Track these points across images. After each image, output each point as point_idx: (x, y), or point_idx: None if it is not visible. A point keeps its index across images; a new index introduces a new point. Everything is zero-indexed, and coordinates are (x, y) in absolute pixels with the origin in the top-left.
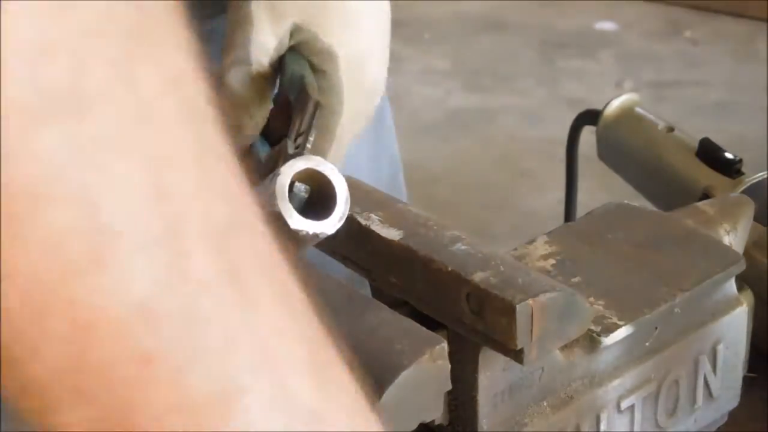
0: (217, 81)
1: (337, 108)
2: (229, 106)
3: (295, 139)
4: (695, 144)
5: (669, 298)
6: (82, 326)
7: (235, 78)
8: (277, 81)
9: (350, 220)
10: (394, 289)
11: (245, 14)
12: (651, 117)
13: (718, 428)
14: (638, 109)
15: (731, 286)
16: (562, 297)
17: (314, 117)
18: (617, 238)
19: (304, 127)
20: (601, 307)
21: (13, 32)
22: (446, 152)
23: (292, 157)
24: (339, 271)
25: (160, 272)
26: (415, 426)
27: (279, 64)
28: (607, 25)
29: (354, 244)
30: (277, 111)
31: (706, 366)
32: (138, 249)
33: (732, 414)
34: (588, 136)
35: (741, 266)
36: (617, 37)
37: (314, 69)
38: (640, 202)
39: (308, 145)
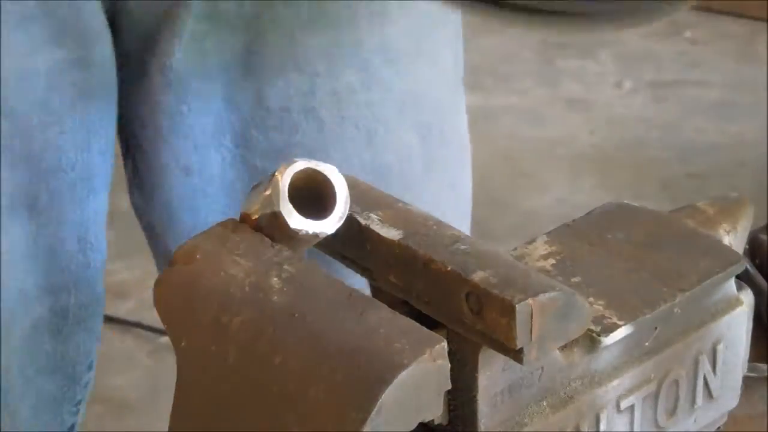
0: None
1: None
2: None
3: None
4: None
5: (669, 298)
6: None
7: None
8: None
9: (350, 220)
10: (394, 289)
11: None
12: None
13: (718, 428)
14: None
15: (731, 286)
16: (562, 297)
17: None
18: (617, 238)
19: None
20: (601, 307)
21: None
22: None
23: None
24: (339, 271)
25: None
26: (414, 426)
27: None
28: None
29: (354, 244)
30: None
31: (706, 366)
32: None
33: (732, 414)
34: (588, 136)
35: (741, 266)
36: (617, 37)
37: None
38: (640, 202)
39: None
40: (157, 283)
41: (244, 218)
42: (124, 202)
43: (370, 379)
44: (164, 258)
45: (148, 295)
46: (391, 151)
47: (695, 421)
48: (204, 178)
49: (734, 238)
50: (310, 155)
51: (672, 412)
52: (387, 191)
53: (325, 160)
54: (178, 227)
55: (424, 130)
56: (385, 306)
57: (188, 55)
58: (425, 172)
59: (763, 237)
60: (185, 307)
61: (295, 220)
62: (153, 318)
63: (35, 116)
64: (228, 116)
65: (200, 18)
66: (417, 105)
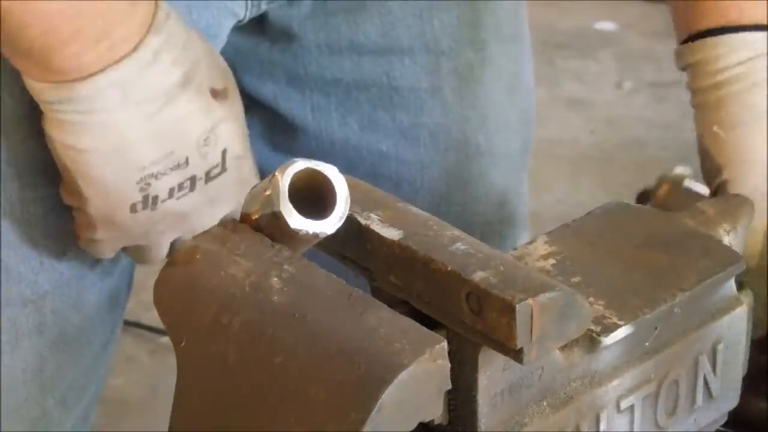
0: None
1: None
2: None
3: None
4: None
5: (669, 298)
6: None
7: None
8: None
9: (350, 220)
10: (394, 289)
11: None
12: (700, 189)
13: (718, 428)
14: (687, 183)
15: (731, 286)
16: (562, 297)
17: None
18: (617, 238)
19: None
20: (601, 307)
21: None
22: None
23: None
24: (339, 271)
25: None
26: (414, 425)
27: None
28: (607, 25)
29: (354, 244)
30: None
31: (706, 366)
32: None
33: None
34: (589, 136)
35: (741, 266)
36: (617, 37)
37: None
38: None
39: None
40: (157, 283)
41: (244, 218)
42: None
43: (370, 379)
44: None
45: (148, 295)
46: (500, 132)
47: (695, 421)
48: (320, 141)
49: (734, 238)
50: (433, 136)
51: (672, 412)
52: (495, 174)
53: (447, 141)
54: None
55: (524, 113)
56: (385, 306)
57: (313, 28)
58: (522, 154)
59: None
60: (185, 307)
61: (295, 220)
62: (153, 318)
63: None
64: (356, 95)
65: None
66: (518, 86)
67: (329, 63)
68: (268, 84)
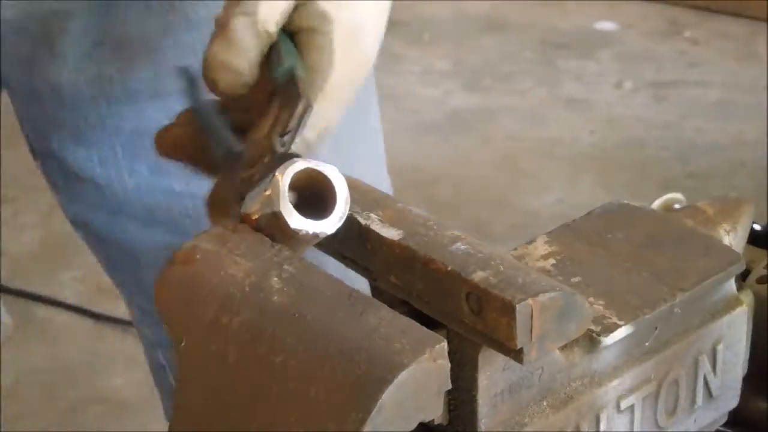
0: (218, 26)
1: (325, 68)
2: (230, 52)
3: (282, 136)
4: None
5: (669, 298)
6: None
7: (241, 25)
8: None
9: (350, 220)
10: (394, 289)
11: None
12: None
13: (718, 428)
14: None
15: (731, 286)
16: (562, 297)
17: (303, 118)
18: (617, 238)
19: (291, 126)
20: (601, 307)
21: None
22: (446, 152)
23: (282, 156)
24: (339, 271)
25: None
26: (414, 426)
27: (270, 51)
28: (607, 25)
29: (354, 244)
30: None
31: (706, 366)
32: None
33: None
34: (588, 136)
35: (741, 266)
36: (617, 37)
37: (307, 31)
38: (640, 202)
39: (293, 147)
40: (157, 283)
41: (244, 218)
42: None
43: (370, 379)
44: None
45: None
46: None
47: (695, 421)
48: (113, 190)
49: (734, 238)
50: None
51: (672, 412)
52: None
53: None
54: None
55: (334, 141)
56: (385, 306)
57: (85, 81)
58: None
59: None
60: (185, 307)
61: (295, 220)
62: None
63: None
64: (140, 141)
65: (81, 38)
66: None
67: (108, 113)
68: (54, 140)
